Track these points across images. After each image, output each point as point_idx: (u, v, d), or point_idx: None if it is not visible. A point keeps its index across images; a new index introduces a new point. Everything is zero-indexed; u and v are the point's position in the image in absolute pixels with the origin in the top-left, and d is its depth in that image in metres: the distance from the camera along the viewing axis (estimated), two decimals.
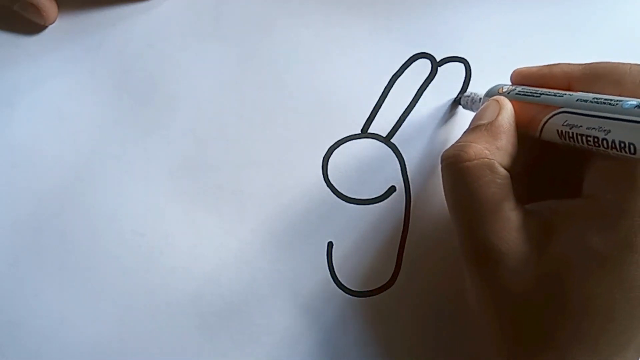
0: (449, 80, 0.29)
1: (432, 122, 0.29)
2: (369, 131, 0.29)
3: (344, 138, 0.29)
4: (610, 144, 0.17)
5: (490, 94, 0.24)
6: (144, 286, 0.27)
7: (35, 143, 0.28)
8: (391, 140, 0.29)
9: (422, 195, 0.28)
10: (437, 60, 0.29)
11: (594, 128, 0.18)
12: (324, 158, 0.28)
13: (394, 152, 0.29)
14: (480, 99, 0.25)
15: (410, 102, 0.29)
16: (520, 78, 0.25)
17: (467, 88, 0.29)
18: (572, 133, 0.19)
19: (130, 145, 0.29)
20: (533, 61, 0.29)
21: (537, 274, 0.20)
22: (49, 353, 0.27)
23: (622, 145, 0.17)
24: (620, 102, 0.18)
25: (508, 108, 0.22)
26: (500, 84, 0.25)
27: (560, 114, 0.20)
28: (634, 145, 0.16)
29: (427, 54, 0.29)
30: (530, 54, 0.29)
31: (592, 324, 0.19)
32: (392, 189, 0.28)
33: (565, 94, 0.20)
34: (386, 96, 0.29)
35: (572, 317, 0.19)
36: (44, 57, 0.29)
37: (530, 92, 0.22)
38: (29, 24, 0.29)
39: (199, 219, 0.28)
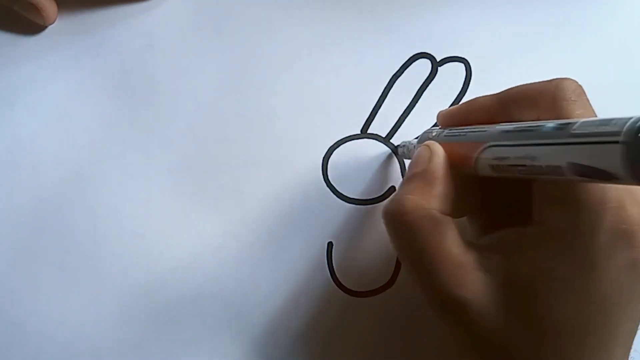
0: (449, 80, 0.29)
1: (432, 123, 0.29)
2: (369, 131, 0.29)
3: (344, 138, 0.29)
4: (539, 169, 0.17)
5: (421, 140, 0.24)
6: (144, 286, 0.27)
7: (35, 143, 0.28)
8: (391, 141, 0.29)
9: None
10: (437, 60, 0.29)
11: (520, 157, 0.18)
12: (324, 158, 0.28)
13: (394, 152, 0.29)
14: (415, 146, 0.25)
15: (410, 102, 0.29)
16: (446, 120, 0.24)
17: (467, 88, 0.29)
18: (503, 165, 0.19)
19: (130, 145, 0.29)
20: (533, 60, 0.29)
21: (506, 309, 0.20)
22: (49, 353, 0.27)
23: (550, 168, 0.17)
24: (540, 127, 0.18)
25: (439, 153, 0.22)
26: (430, 129, 0.25)
27: (488, 149, 0.19)
28: (560, 167, 0.16)
29: (427, 54, 0.29)
30: (530, 53, 0.29)
31: (571, 342, 0.19)
32: (392, 189, 0.28)
33: (489, 128, 0.20)
34: (386, 96, 0.29)
35: (550, 340, 0.19)
36: (44, 57, 0.29)
37: (457, 132, 0.22)
38: (29, 24, 0.29)
39: (199, 219, 0.28)
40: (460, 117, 0.23)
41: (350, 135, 0.29)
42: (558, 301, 0.19)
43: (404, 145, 0.27)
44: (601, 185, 0.19)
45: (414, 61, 0.29)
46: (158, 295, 0.27)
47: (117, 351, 0.27)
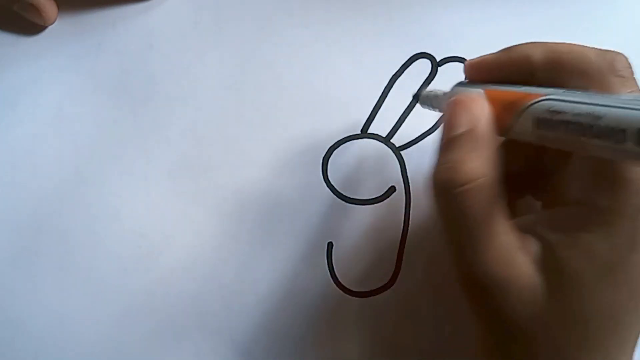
0: (449, 80, 0.29)
1: (432, 122, 0.29)
2: (369, 131, 0.29)
3: (344, 138, 0.29)
4: (597, 131, 0.16)
5: (456, 89, 0.22)
6: (144, 286, 0.27)
7: (35, 143, 0.29)
8: (391, 141, 0.29)
9: (422, 195, 0.28)
10: (437, 60, 0.29)
11: (581, 114, 0.17)
12: (324, 158, 0.28)
13: (394, 152, 0.29)
14: (447, 96, 0.22)
15: (411, 102, 0.29)
16: (476, 71, 0.22)
17: None
18: (554, 121, 0.17)
19: (130, 145, 0.29)
20: None
21: (545, 295, 0.19)
22: (49, 353, 0.27)
23: (611, 133, 0.16)
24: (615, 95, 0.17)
25: (486, 109, 0.20)
26: (463, 81, 0.22)
27: (546, 101, 0.18)
28: (624, 131, 0.15)
29: (427, 54, 0.29)
30: None
31: (602, 331, 0.19)
32: (392, 189, 0.28)
33: (548, 88, 0.19)
34: (386, 96, 0.29)
35: (584, 329, 0.19)
36: (44, 57, 0.29)
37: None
38: (29, 24, 0.29)
39: (199, 219, 0.28)
40: (497, 67, 0.21)
41: (350, 135, 0.29)
42: (601, 287, 0.18)
43: (430, 92, 0.24)
44: None
45: (414, 61, 0.29)
46: (158, 295, 0.27)
47: (117, 351, 0.27)
